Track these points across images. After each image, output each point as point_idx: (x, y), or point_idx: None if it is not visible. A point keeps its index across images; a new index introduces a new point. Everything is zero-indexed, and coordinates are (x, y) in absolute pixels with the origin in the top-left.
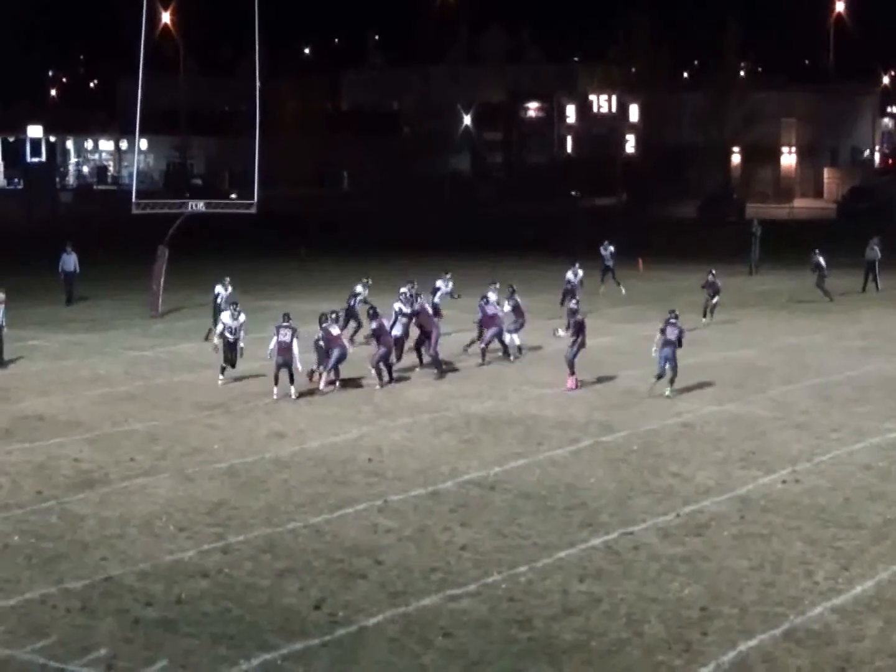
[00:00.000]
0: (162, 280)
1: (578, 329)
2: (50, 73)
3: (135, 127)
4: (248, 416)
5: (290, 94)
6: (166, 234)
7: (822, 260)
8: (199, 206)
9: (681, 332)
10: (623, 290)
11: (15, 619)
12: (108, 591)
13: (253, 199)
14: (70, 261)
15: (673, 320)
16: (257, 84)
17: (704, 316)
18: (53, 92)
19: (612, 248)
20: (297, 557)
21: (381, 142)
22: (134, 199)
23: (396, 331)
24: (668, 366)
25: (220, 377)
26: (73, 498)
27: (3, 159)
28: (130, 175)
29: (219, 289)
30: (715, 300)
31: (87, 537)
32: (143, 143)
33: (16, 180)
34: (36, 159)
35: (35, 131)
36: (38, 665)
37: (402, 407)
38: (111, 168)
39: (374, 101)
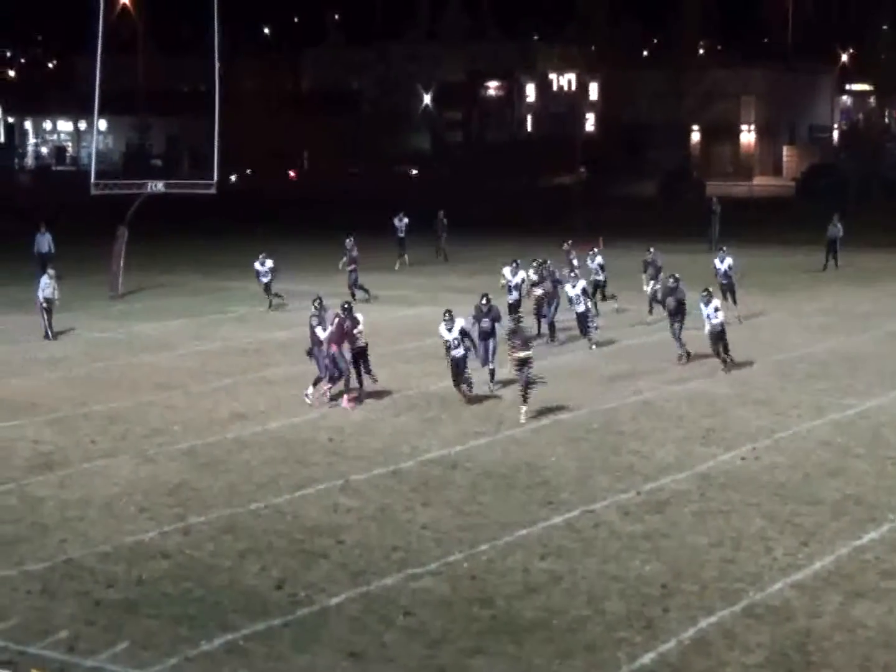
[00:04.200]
0: (121, 261)
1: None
2: (7, 54)
3: (93, 107)
4: (208, 397)
5: (249, 74)
6: (126, 214)
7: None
8: (159, 186)
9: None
10: (404, 264)
11: None
12: (68, 573)
13: (213, 179)
14: (44, 241)
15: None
16: (216, 63)
17: (651, 311)
18: (11, 72)
19: (406, 220)
20: (259, 538)
21: (341, 121)
22: (93, 180)
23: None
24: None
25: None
26: (32, 480)
27: None
28: (89, 156)
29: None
30: (654, 285)
31: (48, 519)
32: (102, 124)
33: None
34: None
35: None
36: None
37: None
38: (70, 149)
39: (333, 79)
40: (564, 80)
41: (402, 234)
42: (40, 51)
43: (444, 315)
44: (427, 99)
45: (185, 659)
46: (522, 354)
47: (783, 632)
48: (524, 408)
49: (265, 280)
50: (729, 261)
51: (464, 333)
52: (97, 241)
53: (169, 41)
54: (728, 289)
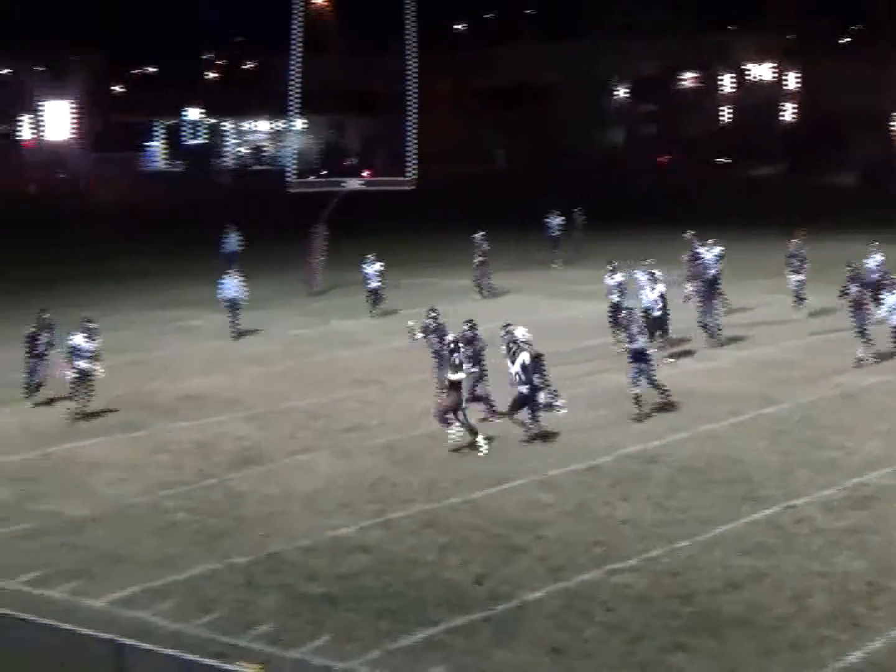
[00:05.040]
0: (320, 258)
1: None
2: (208, 57)
3: (291, 107)
4: (404, 393)
5: (442, 71)
6: (324, 213)
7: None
8: (356, 184)
9: None
10: (560, 263)
11: (183, 593)
12: (271, 566)
13: (410, 176)
14: (231, 241)
15: None
16: (413, 62)
17: (799, 301)
18: (211, 74)
19: (559, 219)
20: (458, 532)
21: (534, 117)
22: (291, 179)
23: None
24: None
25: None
26: (235, 475)
27: (164, 142)
28: (287, 155)
29: None
30: (797, 278)
31: (250, 514)
32: (299, 123)
33: (176, 163)
34: (195, 141)
35: (194, 114)
36: (206, 639)
37: (558, 382)
38: (268, 148)
39: (526, 75)
40: (762, 71)
41: (555, 233)
42: (239, 53)
43: (509, 345)
44: (621, 92)
45: (385, 652)
46: (453, 377)
47: None
48: (451, 429)
49: (374, 285)
50: (878, 258)
51: (525, 368)
52: (296, 239)
53: (363, 40)
54: (870, 287)
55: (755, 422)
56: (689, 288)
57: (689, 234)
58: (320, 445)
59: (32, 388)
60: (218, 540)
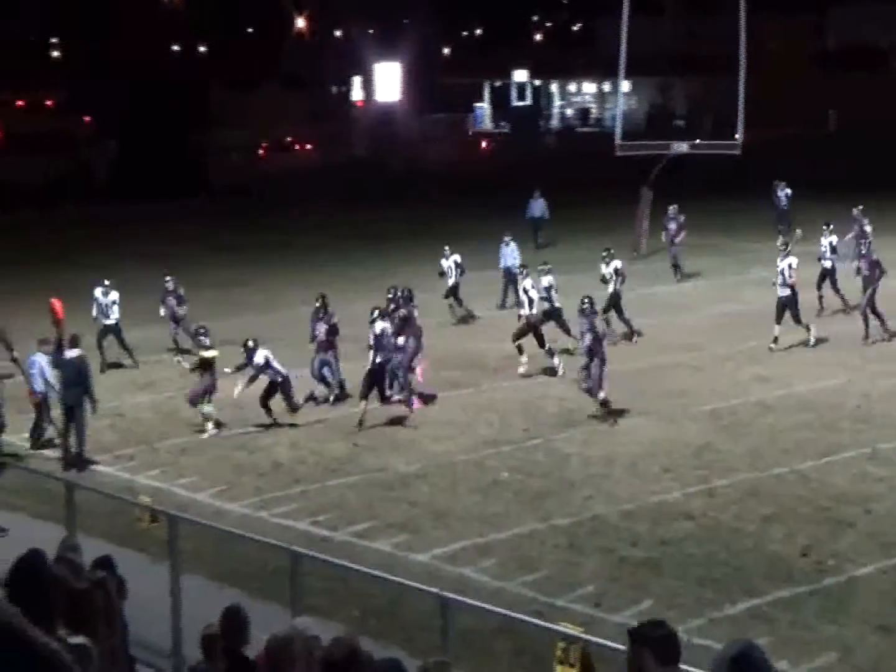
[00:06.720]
0: (646, 222)
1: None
2: (534, 19)
3: (617, 69)
4: (731, 359)
5: (772, 33)
6: (649, 175)
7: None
8: (683, 147)
9: None
10: (796, 238)
11: (505, 552)
12: (594, 529)
13: (737, 139)
14: (537, 206)
15: None
16: (742, 23)
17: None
18: (537, 37)
19: (788, 191)
20: (783, 503)
21: (869, 80)
22: (618, 141)
23: None
24: None
25: None
26: (558, 436)
27: (491, 104)
28: (613, 117)
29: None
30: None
31: (573, 475)
32: (626, 86)
33: (502, 124)
34: (521, 103)
35: (520, 76)
36: (528, 598)
37: (891, 354)
38: (594, 110)
39: (862, 37)
40: None
41: (784, 207)
42: (566, 15)
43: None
44: None
45: (709, 621)
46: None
47: None
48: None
49: (451, 281)
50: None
51: (379, 337)
52: (621, 202)
53: (693, 1)
54: None
55: None
56: (857, 264)
57: (856, 210)
58: (642, 410)
59: (334, 385)
60: (540, 500)
